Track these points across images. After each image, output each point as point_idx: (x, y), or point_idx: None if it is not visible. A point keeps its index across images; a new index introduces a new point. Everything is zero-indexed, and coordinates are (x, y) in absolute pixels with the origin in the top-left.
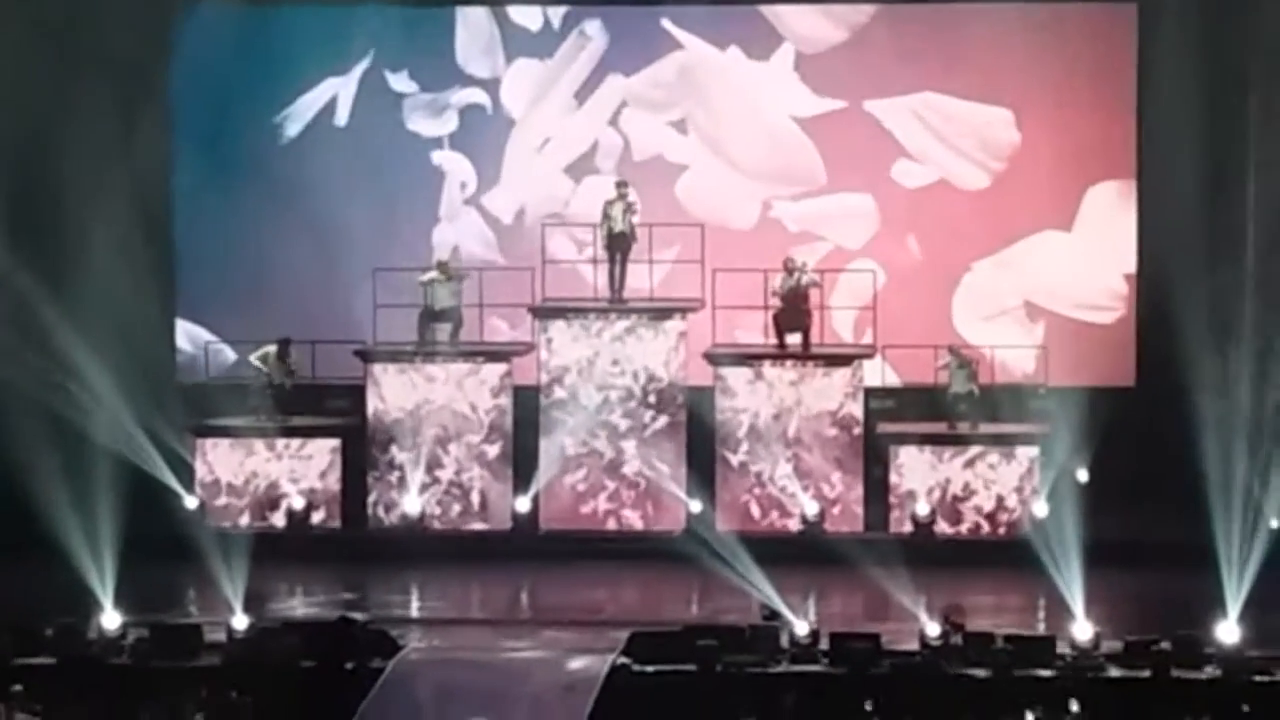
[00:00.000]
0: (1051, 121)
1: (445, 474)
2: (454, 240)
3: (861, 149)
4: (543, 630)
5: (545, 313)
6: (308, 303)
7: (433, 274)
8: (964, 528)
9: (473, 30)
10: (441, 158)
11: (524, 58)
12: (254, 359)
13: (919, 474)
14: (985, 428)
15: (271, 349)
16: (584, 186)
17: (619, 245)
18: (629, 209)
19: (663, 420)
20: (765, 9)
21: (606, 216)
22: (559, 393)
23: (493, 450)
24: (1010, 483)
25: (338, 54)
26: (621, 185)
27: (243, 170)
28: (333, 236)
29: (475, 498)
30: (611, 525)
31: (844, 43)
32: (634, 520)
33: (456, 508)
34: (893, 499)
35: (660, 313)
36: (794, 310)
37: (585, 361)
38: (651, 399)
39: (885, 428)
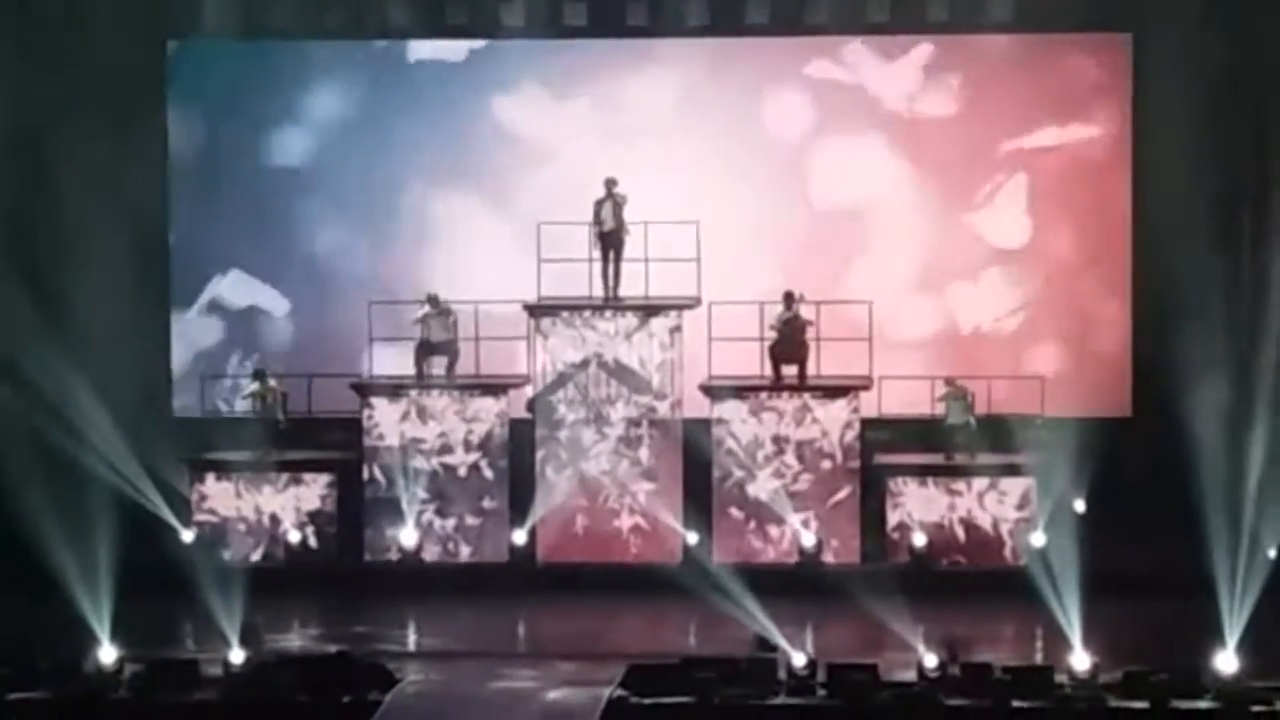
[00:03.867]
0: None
1: (442, 507)
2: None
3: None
4: (540, 663)
5: (540, 311)
6: (303, 336)
7: (425, 309)
8: (961, 558)
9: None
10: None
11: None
12: (244, 397)
13: (916, 505)
14: (982, 458)
15: (256, 386)
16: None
17: (611, 243)
18: (619, 204)
19: (660, 452)
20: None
21: (597, 216)
22: (554, 395)
23: (489, 483)
24: (1007, 513)
25: (331, 86)
26: (611, 183)
27: (237, 201)
28: (328, 269)
29: (472, 530)
30: (609, 557)
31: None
32: (631, 552)
33: (453, 540)
34: (890, 530)
35: (654, 309)
36: (791, 342)
37: (580, 363)
38: (647, 430)
39: (882, 459)
